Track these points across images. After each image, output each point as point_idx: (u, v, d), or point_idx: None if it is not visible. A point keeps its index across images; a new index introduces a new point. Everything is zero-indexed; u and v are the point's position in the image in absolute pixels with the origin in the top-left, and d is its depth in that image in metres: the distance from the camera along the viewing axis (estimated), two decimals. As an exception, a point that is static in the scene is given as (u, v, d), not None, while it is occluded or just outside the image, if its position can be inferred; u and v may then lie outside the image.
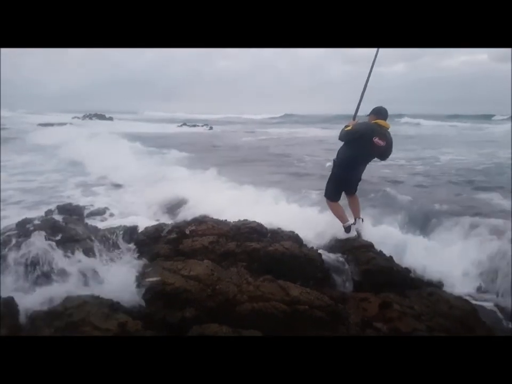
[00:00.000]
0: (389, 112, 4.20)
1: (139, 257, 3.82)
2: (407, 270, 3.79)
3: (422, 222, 5.30)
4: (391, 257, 3.90)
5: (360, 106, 4.31)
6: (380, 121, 4.12)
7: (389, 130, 4.18)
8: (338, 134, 4.33)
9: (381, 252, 3.99)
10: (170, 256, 3.81)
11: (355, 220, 4.41)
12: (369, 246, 4.07)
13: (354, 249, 4.01)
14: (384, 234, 4.48)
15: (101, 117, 44.26)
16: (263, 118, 60.97)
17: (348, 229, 4.28)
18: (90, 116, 44.28)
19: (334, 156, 4.39)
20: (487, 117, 46.55)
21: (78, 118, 43.59)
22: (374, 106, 4.27)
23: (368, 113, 4.31)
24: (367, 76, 4.36)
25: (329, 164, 4.41)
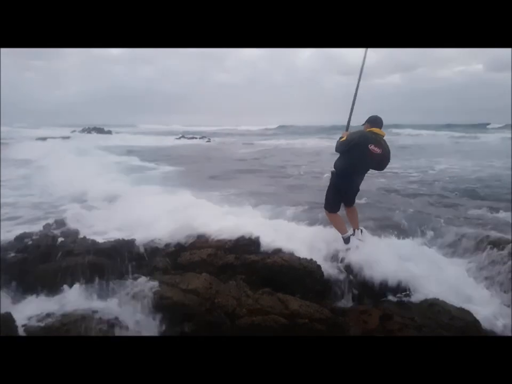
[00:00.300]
0: (385, 123, 4.22)
1: (138, 271, 3.79)
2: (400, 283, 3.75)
3: (421, 232, 5.29)
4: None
5: (356, 117, 4.34)
6: (375, 129, 4.14)
7: (384, 138, 4.17)
8: (335, 145, 4.35)
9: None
10: (168, 270, 3.79)
11: (354, 231, 4.41)
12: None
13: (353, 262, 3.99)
14: (383, 244, 4.45)
15: (100, 130, 44.45)
16: (260, 129, 61.19)
17: (347, 240, 4.26)
18: (89, 130, 44.44)
19: (332, 166, 4.39)
20: (482, 126, 46.92)
21: (77, 131, 43.77)
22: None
23: (363, 123, 4.34)
24: (356, 85, 4.42)
25: (327, 175, 4.39)
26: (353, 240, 4.25)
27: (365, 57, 4.35)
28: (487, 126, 45.69)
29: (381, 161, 4.18)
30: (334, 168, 4.31)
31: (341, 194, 4.33)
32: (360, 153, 4.05)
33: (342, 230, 4.31)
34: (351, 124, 4.41)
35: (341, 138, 4.29)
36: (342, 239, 4.28)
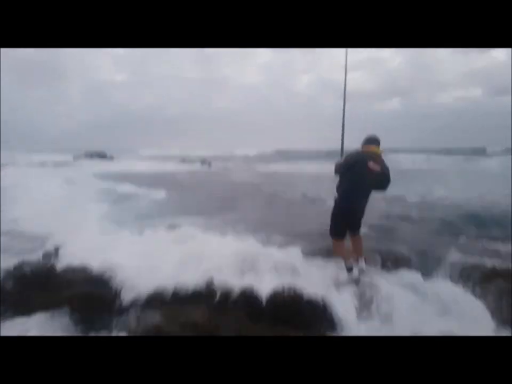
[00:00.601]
0: (384, 146, 4.21)
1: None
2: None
3: (424, 262, 5.19)
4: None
5: (355, 141, 4.36)
6: (371, 148, 4.14)
7: (382, 156, 4.16)
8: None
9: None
10: (167, 301, 3.71)
11: (358, 259, 4.35)
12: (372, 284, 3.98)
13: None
14: (389, 274, 4.38)
15: (101, 155, 44.78)
16: (259, 153, 61.14)
17: (349, 269, 4.20)
18: (91, 155, 44.78)
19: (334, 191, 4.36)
20: (481, 150, 47.13)
21: (78, 156, 44.09)
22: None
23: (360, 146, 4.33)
24: (342, 110, 4.55)
25: (330, 202, 4.37)
26: (355, 269, 4.19)
27: (345, 81, 4.50)
28: (486, 150, 45.95)
29: (381, 180, 4.13)
30: (336, 191, 4.29)
31: (345, 219, 4.25)
32: (359, 172, 4.03)
33: (345, 259, 4.24)
34: (347, 147, 4.47)
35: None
36: (345, 268, 4.23)
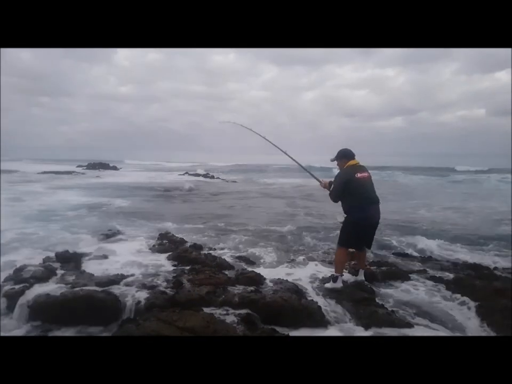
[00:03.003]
0: (388, 165, 4.34)
1: (135, 307, 3.73)
2: (408, 325, 3.65)
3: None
4: (392, 311, 3.79)
5: (360, 158, 4.46)
6: (350, 162, 4.28)
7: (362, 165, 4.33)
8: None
9: (382, 305, 3.89)
10: (166, 307, 3.71)
11: (358, 271, 4.51)
12: (370, 299, 3.97)
13: (356, 302, 3.91)
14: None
15: (105, 166, 45.11)
16: (263, 165, 61.15)
17: (335, 279, 4.26)
18: (94, 165, 45.10)
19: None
20: (484, 169, 46.87)
21: (82, 166, 44.48)
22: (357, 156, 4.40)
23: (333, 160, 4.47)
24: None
25: (340, 216, 4.45)
26: (340, 281, 4.27)
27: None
28: (488, 170, 45.73)
29: (373, 185, 4.31)
30: (345, 213, 4.36)
31: (360, 231, 4.27)
32: (354, 186, 4.16)
33: (339, 269, 4.31)
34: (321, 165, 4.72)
35: (326, 188, 4.52)
36: (332, 276, 4.32)
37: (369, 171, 4.36)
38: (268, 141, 5.20)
